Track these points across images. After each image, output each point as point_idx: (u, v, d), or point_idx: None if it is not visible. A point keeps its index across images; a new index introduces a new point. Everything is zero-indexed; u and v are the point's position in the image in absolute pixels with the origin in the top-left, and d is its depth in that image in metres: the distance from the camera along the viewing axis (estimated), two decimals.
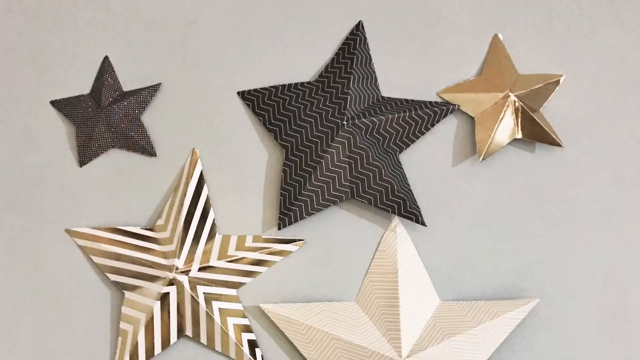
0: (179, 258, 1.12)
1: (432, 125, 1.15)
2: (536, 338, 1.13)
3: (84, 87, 1.20)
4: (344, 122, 1.12)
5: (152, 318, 1.11)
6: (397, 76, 1.18)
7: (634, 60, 1.17)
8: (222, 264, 1.13)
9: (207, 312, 1.11)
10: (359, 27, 1.17)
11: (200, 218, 1.14)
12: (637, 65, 1.16)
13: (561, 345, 1.13)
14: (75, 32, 1.20)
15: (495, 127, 1.14)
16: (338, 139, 1.12)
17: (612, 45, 1.17)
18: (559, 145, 1.13)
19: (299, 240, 1.15)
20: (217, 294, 1.13)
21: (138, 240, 1.15)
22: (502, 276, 1.14)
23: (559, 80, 1.16)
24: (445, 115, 1.16)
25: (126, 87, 1.19)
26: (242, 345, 1.12)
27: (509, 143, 1.15)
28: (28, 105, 1.19)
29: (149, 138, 1.17)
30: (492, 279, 1.14)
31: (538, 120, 1.13)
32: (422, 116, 1.14)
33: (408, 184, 1.14)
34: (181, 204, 1.14)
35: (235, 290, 1.14)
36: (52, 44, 1.20)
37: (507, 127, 1.14)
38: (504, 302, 1.11)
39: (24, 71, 1.20)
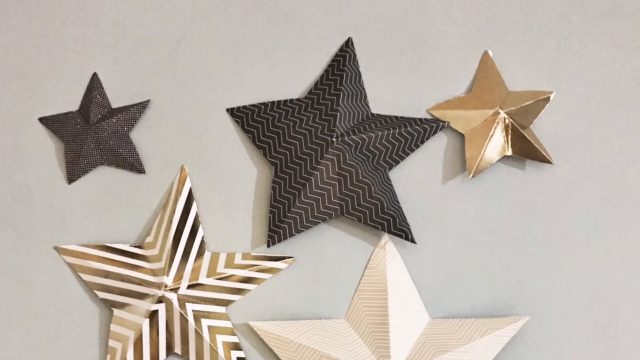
0: (167, 275, 1.13)
1: (422, 142, 1.16)
2: (526, 356, 1.13)
3: (73, 103, 1.20)
4: (334, 139, 1.12)
5: (140, 336, 1.12)
6: (386, 93, 1.19)
7: (624, 77, 1.18)
8: (211, 281, 1.14)
9: (196, 329, 1.11)
10: (348, 44, 1.18)
11: (189, 235, 1.15)
12: (627, 82, 1.17)
13: None
14: (64, 49, 1.21)
15: (485, 144, 1.14)
16: (327, 156, 1.12)
17: (602, 62, 1.18)
18: (549, 162, 1.14)
19: (289, 257, 1.15)
20: (206, 312, 1.13)
21: (127, 258, 1.15)
22: (492, 293, 1.15)
23: (549, 97, 1.17)
24: (435, 132, 1.16)
25: (115, 103, 1.20)
26: None
27: (499, 160, 1.16)
28: (16, 122, 1.20)
29: (138, 155, 1.18)
30: (482, 296, 1.15)
31: (528, 137, 1.14)
32: (411, 133, 1.14)
33: (398, 201, 1.14)
34: (170, 221, 1.14)
35: (224, 307, 1.14)
36: (41, 61, 1.20)
37: (497, 144, 1.15)
38: (494, 320, 1.12)
39: (12, 88, 1.20)
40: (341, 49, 1.19)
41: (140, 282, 1.13)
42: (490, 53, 1.19)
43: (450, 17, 1.20)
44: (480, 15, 1.19)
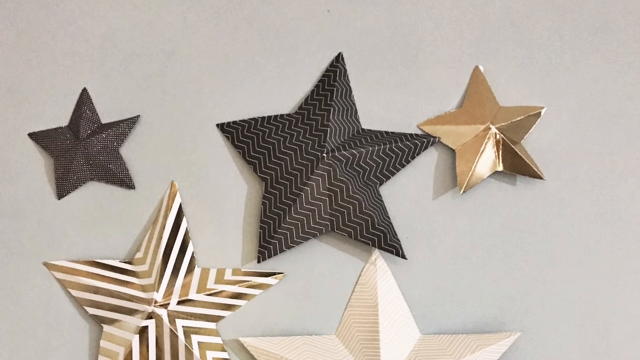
0: (157, 291, 1.13)
1: (413, 157, 1.16)
2: None
3: (62, 119, 1.21)
4: (324, 155, 1.13)
5: (130, 352, 1.12)
6: (377, 108, 1.19)
7: (615, 92, 1.18)
8: (201, 297, 1.14)
9: (186, 345, 1.11)
10: (339, 59, 1.19)
11: (179, 251, 1.15)
12: (618, 98, 1.18)
13: None
14: (53, 64, 1.22)
15: (476, 160, 1.15)
16: (318, 172, 1.12)
17: (593, 78, 1.18)
18: (540, 177, 1.14)
19: (279, 273, 1.15)
20: (196, 328, 1.13)
21: (116, 274, 1.15)
22: (483, 309, 1.15)
23: (540, 112, 1.17)
24: (426, 148, 1.17)
25: (104, 119, 1.20)
26: None
27: (490, 175, 1.16)
28: (6, 137, 1.20)
29: (128, 170, 1.18)
30: (473, 312, 1.15)
31: (519, 153, 1.14)
32: (402, 148, 1.15)
33: (388, 217, 1.14)
34: (160, 237, 1.15)
35: (214, 323, 1.14)
36: (30, 76, 1.21)
37: (488, 160, 1.15)
38: (484, 336, 1.12)
39: (1, 103, 1.21)
40: (332, 64, 1.19)
41: (130, 298, 1.13)
42: (481, 68, 1.19)
43: (441, 33, 1.20)
44: (471, 31, 1.19)
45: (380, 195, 1.16)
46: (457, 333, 1.14)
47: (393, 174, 1.16)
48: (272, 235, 1.13)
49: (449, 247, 1.16)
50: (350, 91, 1.19)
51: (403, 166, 1.16)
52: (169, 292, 1.14)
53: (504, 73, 1.20)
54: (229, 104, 1.20)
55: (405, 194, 1.18)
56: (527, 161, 1.14)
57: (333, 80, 1.18)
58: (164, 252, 1.14)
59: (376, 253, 1.15)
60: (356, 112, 1.19)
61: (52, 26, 1.23)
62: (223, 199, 1.18)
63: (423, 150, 1.17)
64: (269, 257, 1.14)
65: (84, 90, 1.21)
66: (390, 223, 1.14)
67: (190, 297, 1.14)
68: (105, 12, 1.23)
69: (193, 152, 1.19)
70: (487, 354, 1.10)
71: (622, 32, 1.19)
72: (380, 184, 1.16)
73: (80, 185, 1.19)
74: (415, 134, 1.17)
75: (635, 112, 1.18)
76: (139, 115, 1.20)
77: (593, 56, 1.19)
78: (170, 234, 1.15)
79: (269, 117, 1.19)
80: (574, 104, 1.18)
